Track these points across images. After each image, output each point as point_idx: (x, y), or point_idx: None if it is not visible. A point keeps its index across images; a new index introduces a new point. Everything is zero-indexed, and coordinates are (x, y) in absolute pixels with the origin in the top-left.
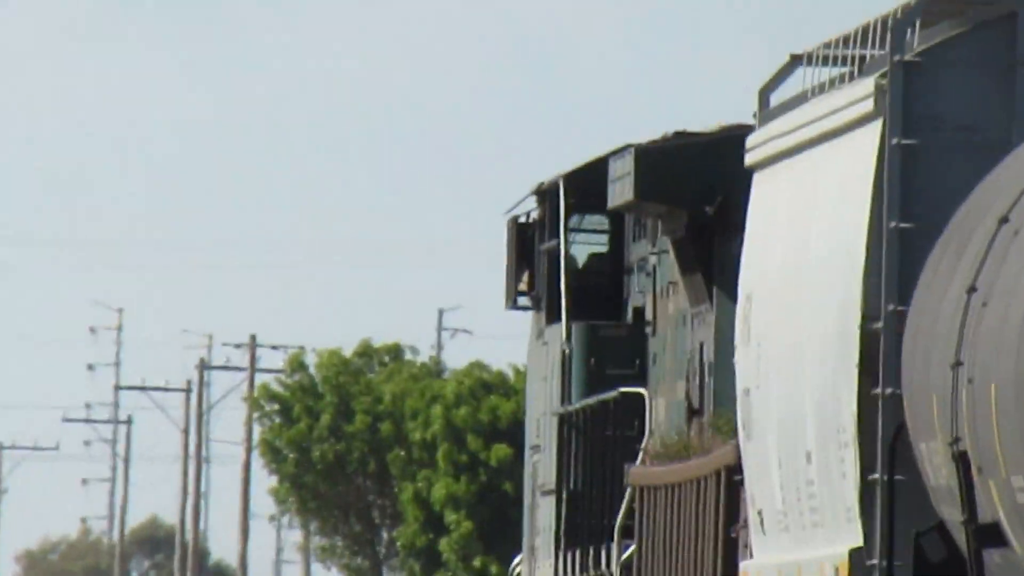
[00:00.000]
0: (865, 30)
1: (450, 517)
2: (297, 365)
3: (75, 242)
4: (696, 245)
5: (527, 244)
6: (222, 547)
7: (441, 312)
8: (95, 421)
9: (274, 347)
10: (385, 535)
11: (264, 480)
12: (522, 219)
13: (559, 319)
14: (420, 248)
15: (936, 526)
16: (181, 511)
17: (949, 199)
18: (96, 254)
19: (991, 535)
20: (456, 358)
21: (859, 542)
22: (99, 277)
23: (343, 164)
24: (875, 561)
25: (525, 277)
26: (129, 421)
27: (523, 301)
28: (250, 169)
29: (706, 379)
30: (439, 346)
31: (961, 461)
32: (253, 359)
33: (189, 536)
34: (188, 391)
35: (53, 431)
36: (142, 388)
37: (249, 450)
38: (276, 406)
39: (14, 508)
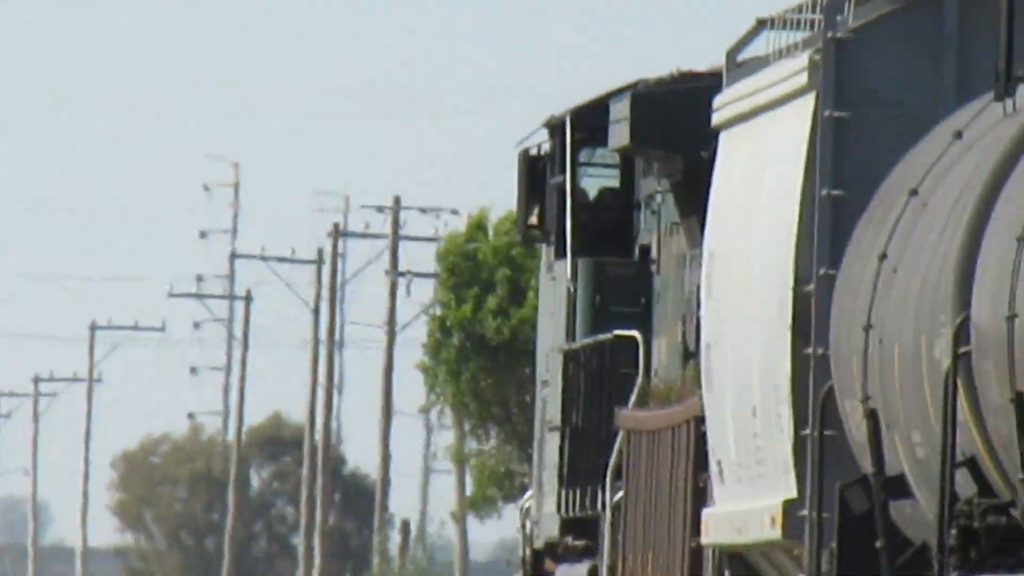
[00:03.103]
0: None
1: None
2: (476, 230)
3: (187, 90)
4: (692, 190)
5: (537, 178)
6: (358, 450)
7: None
8: (207, 296)
9: (422, 210)
10: None
11: (408, 371)
12: (533, 151)
13: (567, 254)
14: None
15: (859, 479)
16: (310, 407)
17: (879, 169)
18: (211, 103)
19: (897, 487)
20: None
21: (793, 494)
22: (214, 128)
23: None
24: (806, 512)
25: (536, 211)
26: (248, 297)
27: (534, 234)
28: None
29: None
30: None
31: (871, 418)
32: (396, 224)
33: (319, 437)
34: (319, 262)
35: (157, 308)
36: (263, 258)
37: (392, 333)
38: (453, 278)
39: (109, 400)
